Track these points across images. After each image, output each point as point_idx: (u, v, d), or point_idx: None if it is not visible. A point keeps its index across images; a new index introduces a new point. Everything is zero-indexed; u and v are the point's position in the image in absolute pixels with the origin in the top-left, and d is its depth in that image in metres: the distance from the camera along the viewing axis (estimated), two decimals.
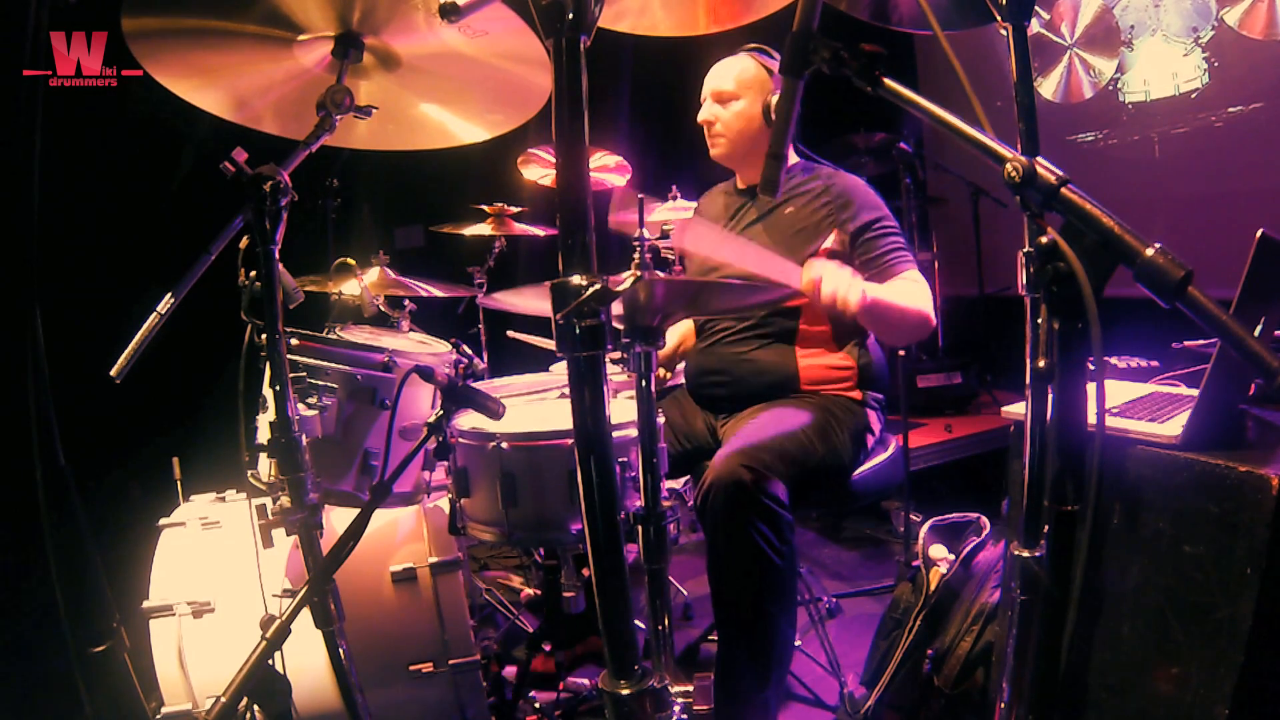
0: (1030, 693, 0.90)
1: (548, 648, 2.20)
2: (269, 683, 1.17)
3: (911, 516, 2.93)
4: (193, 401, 2.68)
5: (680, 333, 2.30)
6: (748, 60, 2.06)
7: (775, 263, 1.63)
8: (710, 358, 2.10)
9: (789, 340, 2.02)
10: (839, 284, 1.61)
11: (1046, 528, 0.86)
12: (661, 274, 2.00)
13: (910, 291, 1.86)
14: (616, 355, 2.06)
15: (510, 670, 2.17)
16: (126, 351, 1.28)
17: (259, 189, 1.23)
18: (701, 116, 2.10)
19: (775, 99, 2.00)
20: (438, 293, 2.52)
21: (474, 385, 1.49)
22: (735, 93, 2.04)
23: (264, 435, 1.48)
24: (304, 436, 1.30)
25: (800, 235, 1.99)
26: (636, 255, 1.50)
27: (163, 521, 1.76)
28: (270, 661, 1.17)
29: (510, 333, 2.71)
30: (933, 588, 1.91)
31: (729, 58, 2.08)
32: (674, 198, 2.99)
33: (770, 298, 1.78)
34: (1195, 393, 1.35)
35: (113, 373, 1.28)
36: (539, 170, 2.99)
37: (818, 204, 2.00)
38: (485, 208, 2.92)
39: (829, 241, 1.97)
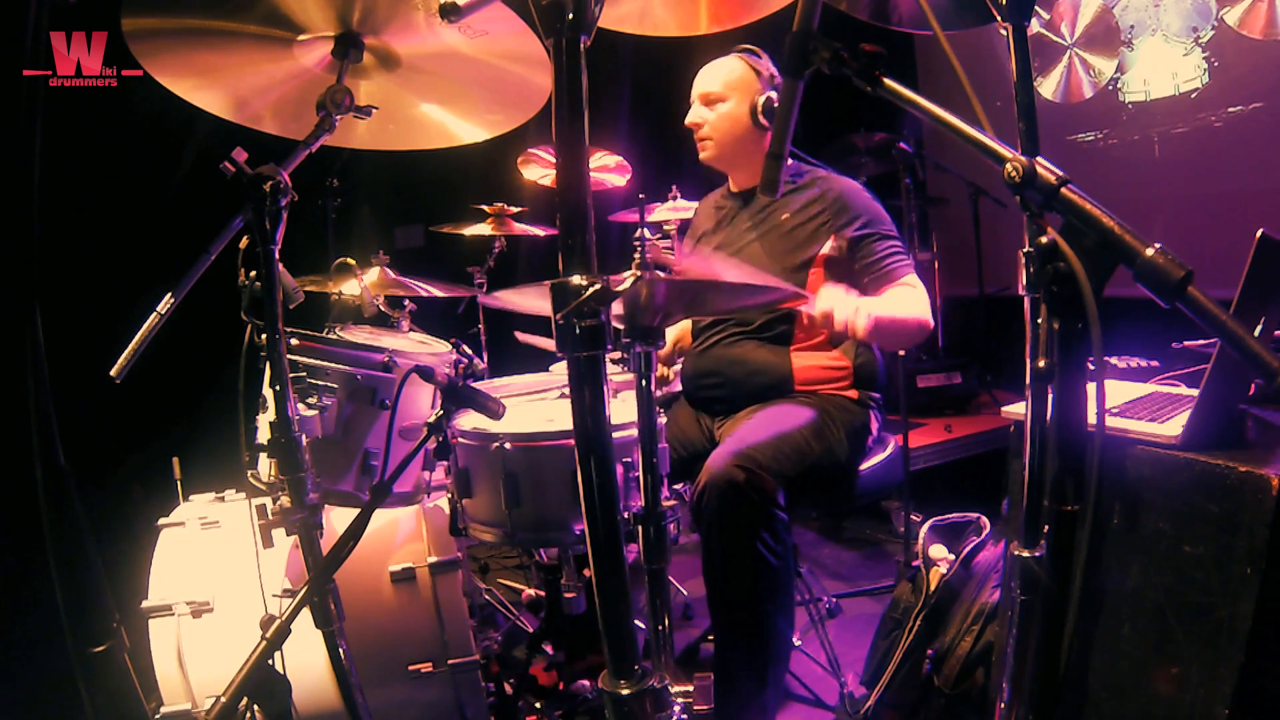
0: (1030, 693, 0.90)
1: (549, 649, 2.20)
2: (269, 683, 1.16)
3: (911, 516, 2.93)
4: (193, 401, 2.69)
5: (678, 330, 2.30)
6: (735, 62, 2.05)
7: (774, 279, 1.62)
8: (706, 360, 2.10)
9: (784, 341, 2.02)
10: (848, 314, 1.61)
11: (1046, 528, 0.86)
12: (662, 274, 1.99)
13: (908, 299, 1.86)
14: (616, 355, 2.06)
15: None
16: (126, 351, 1.28)
17: (259, 189, 1.23)
18: (689, 120, 2.09)
19: (763, 99, 2.00)
20: (438, 293, 2.52)
21: (474, 385, 1.49)
22: (722, 94, 2.03)
23: (264, 435, 1.48)
24: (304, 436, 1.30)
25: (796, 241, 1.99)
26: (637, 255, 1.50)
27: (162, 521, 1.76)
28: (270, 661, 1.17)
29: (519, 334, 2.69)
30: (933, 588, 1.91)
31: (717, 59, 2.07)
32: (674, 197, 2.99)
33: (771, 298, 1.78)
34: (1195, 393, 1.35)
35: (113, 373, 1.28)
36: (539, 170, 2.99)
37: (813, 210, 2.00)
38: (485, 208, 2.92)
39: (826, 248, 1.97)
